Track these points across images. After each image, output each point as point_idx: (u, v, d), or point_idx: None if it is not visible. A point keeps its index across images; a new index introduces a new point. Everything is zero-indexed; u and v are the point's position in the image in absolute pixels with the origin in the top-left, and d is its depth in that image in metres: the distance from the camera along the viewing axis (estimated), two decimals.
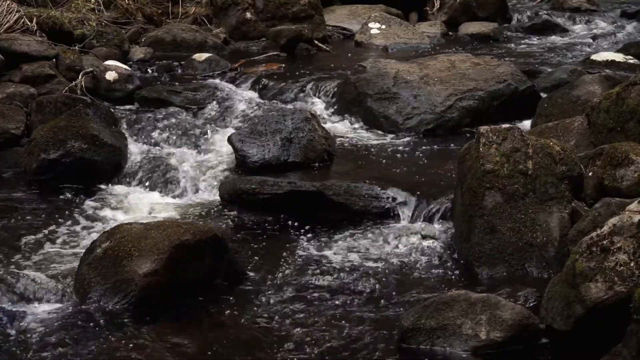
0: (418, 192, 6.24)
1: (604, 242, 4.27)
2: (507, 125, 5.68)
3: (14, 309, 4.93)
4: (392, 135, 7.65)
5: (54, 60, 8.67)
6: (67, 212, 6.42)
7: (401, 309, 4.88)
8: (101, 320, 4.83)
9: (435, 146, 7.38)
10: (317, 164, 6.95)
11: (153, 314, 4.89)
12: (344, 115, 8.10)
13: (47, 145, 6.96)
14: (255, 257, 5.65)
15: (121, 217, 6.32)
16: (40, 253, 5.69)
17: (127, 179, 7.06)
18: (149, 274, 4.93)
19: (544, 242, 5.27)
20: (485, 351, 4.38)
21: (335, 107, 8.24)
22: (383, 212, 6.17)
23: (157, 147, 7.44)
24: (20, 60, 8.41)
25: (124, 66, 8.82)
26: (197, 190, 6.84)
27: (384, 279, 5.31)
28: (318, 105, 8.29)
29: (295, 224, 6.13)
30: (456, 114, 7.83)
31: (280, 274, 5.42)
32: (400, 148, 7.33)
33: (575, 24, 12.08)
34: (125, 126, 7.70)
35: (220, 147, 7.41)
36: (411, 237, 5.83)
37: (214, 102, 8.28)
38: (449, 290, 4.82)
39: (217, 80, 8.95)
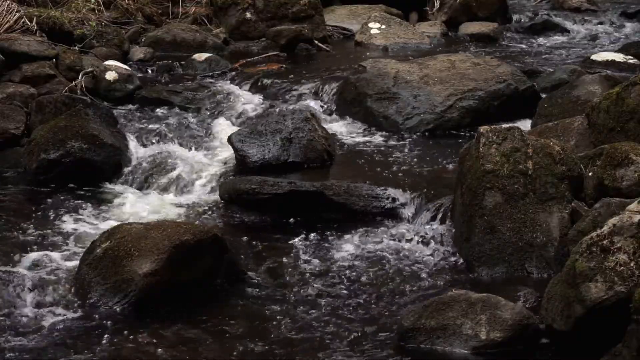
0: (418, 192, 6.23)
1: (604, 242, 4.27)
2: (507, 125, 5.68)
3: (13, 310, 4.93)
4: (392, 135, 7.64)
5: (54, 60, 8.67)
6: (67, 212, 6.42)
7: (401, 309, 4.88)
8: (101, 321, 4.83)
9: (435, 146, 7.38)
10: (317, 164, 6.94)
11: (153, 314, 4.89)
12: (344, 115, 8.09)
13: (47, 145, 6.96)
14: (255, 257, 5.65)
15: (121, 217, 6.32)
16: (40, 253, 5.67)
17: (127, 179, 7.06)
18: (149, 274, 4.93)
19: (544, 242, 5.27)
20: (485, 351, 4.38)
21: (335, 107, 8.24)
22: (383, 212, 6.17)
23: (157, 147, 7.43)
24: (20, 60, 8.41)
25: (124, 66, 8.82)
26: (197, 190, 6.83)
27: (384, 279, 5.31)
28: (318, 105, 8.29)
29: (295, 224, 6.13)
30: (456, 114, 7.83)
31: (280, 274, 5.42)
32: (400, 148, 7.33)
33: (575, 24, 12.07)
34: (125, 126, 7.70)
35: (220, 147, 7.41)
36: (411, 237, 5.83)
37: (214, 102, 8.28)
38: (449, 290, 4.82)
39: (217, 80, 8.95)
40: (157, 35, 10.30)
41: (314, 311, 4.96)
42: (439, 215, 5.98)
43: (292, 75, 9.00)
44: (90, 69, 8.56)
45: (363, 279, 5.32)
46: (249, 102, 8.35)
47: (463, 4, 11.95)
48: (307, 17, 10.81)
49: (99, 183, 6.94)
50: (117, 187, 6.95)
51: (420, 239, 5.80)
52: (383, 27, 10.84)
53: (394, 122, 7.80)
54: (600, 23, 12.18)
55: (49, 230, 6.09)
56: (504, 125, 5.65)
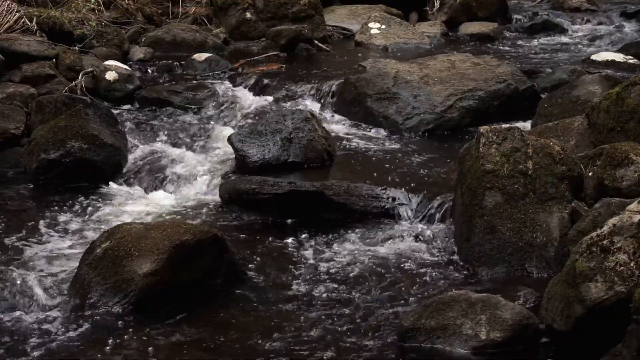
0: (418, 192, 6.24)
1: (604, 242, 4.27)
2: (507, 125, 5.68)
3: (13, 311, 4.93)
4: (392, 135, 7.65)
5: (54, 60, 8.67)
6: (67, 212, 6.42)
7: (401, 309, 4.88)
8: (101, 321, 4.83)
9: (435, 146, 7.38)
10: (317, 164, 6.95)
11: (153, 314, 4.89)
12: (344, 115, 8.10)
13: (47, 145, 6.96)
14: (255, 257, 5.65)
15: (121, 217, 6.32)
16: (40, 253, 5.69)
17: (127, 179, 7.06)
18: (149, 274, 4.93)
19: (544, 242, 5.27)
20: (485, 351, 4.38)
21: (335, 107, 8.24)
22: (383, 212, 6.17)
23: (157, 147, 7.44)
24: (20, 60, 8.41)
25: (124, 66, 8.81)
26: (197, 190, 6.84)
27: (383, 279, 5.31)
28: (318, 105, 8.29)
29: (295, 224, 6.13)
30: (456, 114, 7.84)
31: (280, 274, 5.42)
32: (400, 148, 7.33)
33: (575, 24, 12.07)
34: (125, 126, 7.70)
35: (220, 147, 7.41)
36: (411, 237, 5.83)
37: (214, 102, 8.27)
38: (449, 290, 4.82)
39: (217, 80, 8.95)
40: (157, 35, 10.31)
41: (313, 311, 4.96)
42: (439, 215, 5.98)
43: (292, 75, 9.00)
44: (90, 69, 8.56)
45: (363, 279, 5.32)
46: (248, 102, 8.35)
47: (463, 4, 11.96)
48: (307, 17, 10.82)
49: (99, 183, 6.94)
50: (117, 187, 6.95)
51: (420, 239, 5.81)
52: (383, 27, 10.85)
53: (394, 122, 7.80)
54: (600, 23, 12.18)
55: (48, 231, 6.09)
56: (504, 125, 5.65)
